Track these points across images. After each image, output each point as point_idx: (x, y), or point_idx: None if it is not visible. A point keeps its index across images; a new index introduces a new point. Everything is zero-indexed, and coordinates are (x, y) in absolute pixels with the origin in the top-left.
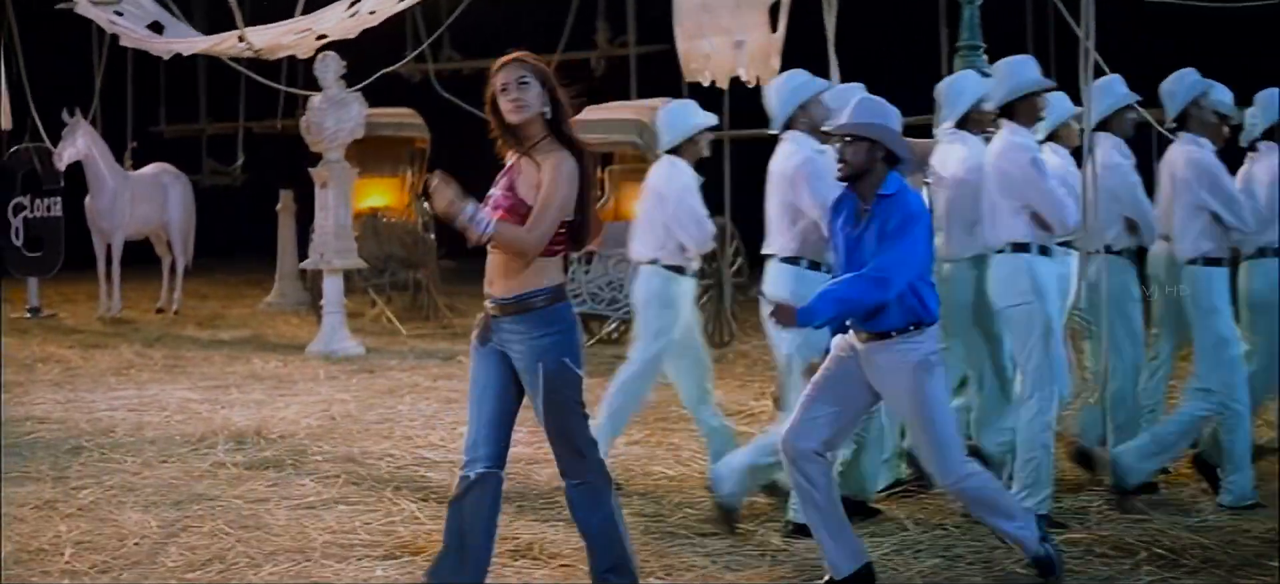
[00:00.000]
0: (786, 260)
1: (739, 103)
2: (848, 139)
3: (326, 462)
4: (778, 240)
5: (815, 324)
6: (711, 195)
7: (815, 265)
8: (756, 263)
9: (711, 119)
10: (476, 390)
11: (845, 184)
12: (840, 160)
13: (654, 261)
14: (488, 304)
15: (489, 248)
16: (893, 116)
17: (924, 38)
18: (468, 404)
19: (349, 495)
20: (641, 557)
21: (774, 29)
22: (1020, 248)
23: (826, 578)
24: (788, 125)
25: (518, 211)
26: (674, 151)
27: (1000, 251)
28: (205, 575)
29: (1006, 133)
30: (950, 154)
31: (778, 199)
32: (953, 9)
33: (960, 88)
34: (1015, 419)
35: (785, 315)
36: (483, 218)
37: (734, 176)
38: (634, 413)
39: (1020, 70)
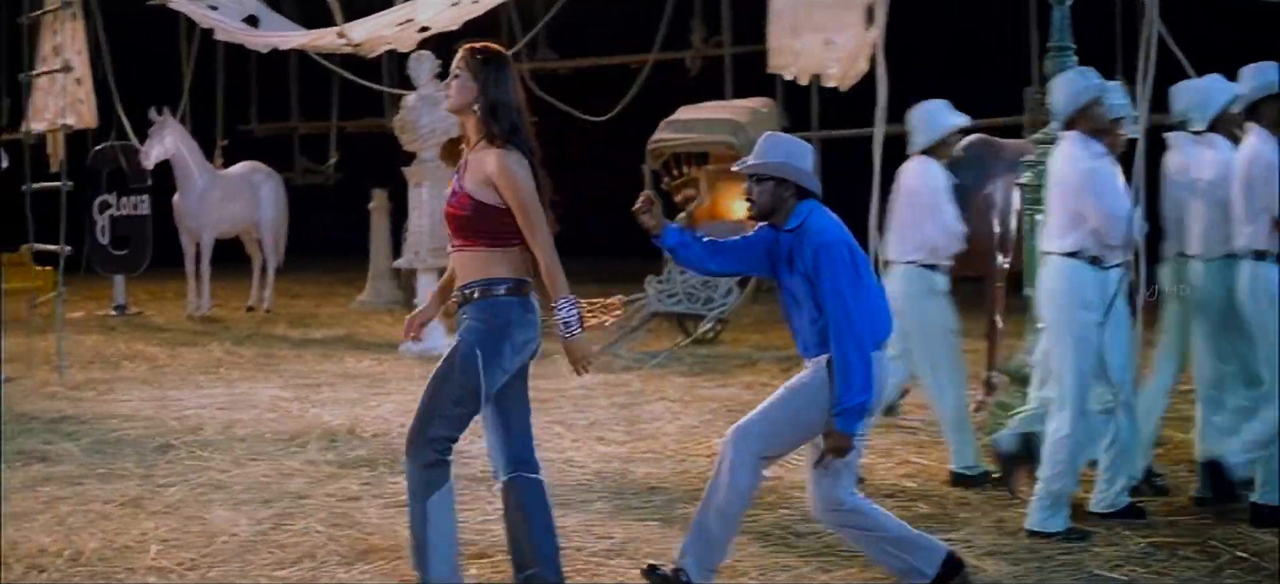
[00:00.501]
0: (1067, 256)
1: (826, 103)
2: (755, 179)
3: None
4: (1057, 237)
5: (857, 416)
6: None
7: (1095, 261)
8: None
9: (964, 120)
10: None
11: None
12: (748, 199)
13: (910, 261)
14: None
15: (454, 248)
16: (800, 153)
17: (1014, 39)
18: None
19: None
20: (735, 558)
21: (868, 27)
22: (1260, 256)
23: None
24: (1068, 125)
25: (462, 204)
26: (927, 152)
27: (1244, 257)
28: (296, 574)
29: (1252, 138)
30: (1201, 157)
31: (1059, 199)
32: (1043, 10)
33: (1210, 91)
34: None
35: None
36: (567, 319)
37: (823, 176)
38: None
39: (1265, 73)
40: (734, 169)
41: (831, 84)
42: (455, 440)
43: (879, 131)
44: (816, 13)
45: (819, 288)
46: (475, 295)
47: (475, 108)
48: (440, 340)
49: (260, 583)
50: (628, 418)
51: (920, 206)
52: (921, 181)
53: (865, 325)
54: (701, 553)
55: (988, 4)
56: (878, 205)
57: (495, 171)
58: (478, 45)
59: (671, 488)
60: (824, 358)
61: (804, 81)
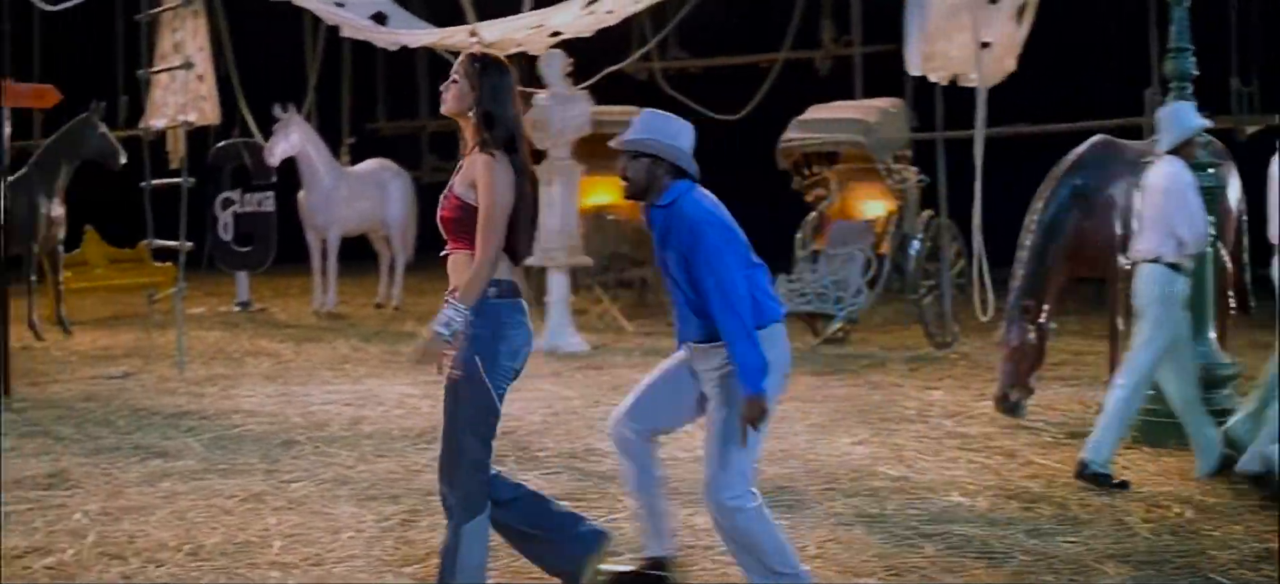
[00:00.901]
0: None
1: (952, 103)
2: (630, 156)
3: (550, 457)
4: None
5: (759, 374)
6: (929, 195)
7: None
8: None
9: (1207, 123)
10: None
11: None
12: (622, 177)
13: (1156, 259)
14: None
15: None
16: (677, 132)
17: (1133, 40)
18: None
19: (572, 491)
20: (862, 557)
21: (1018, 27)
22: None
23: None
24: (1172, 150)
25: (452, 206)
26: (1173, 151)
27: None
28: (423, 570)
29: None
30: None
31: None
32: (1162, 11)
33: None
34: None
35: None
36: (451, 319)
37: (949, 177)
38: (1135, 413)
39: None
40: (611, 145)
41: (973, 84)
42: (491, 453)
43: (980, 134)
44: (966, 13)
45: (693, 265)
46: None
47: (470, 114)
48: (569, 338)
49: (386, 579)
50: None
51: (1168, 204)
52: (1169, 180)
53: (742, 297)
54: (655, 531)
55: (1107, 5)
56: (980, 203)
57: (477, 172)
58: (478, 53)
59: (800, 487)
60: (698, 343)
61: (945, 82)
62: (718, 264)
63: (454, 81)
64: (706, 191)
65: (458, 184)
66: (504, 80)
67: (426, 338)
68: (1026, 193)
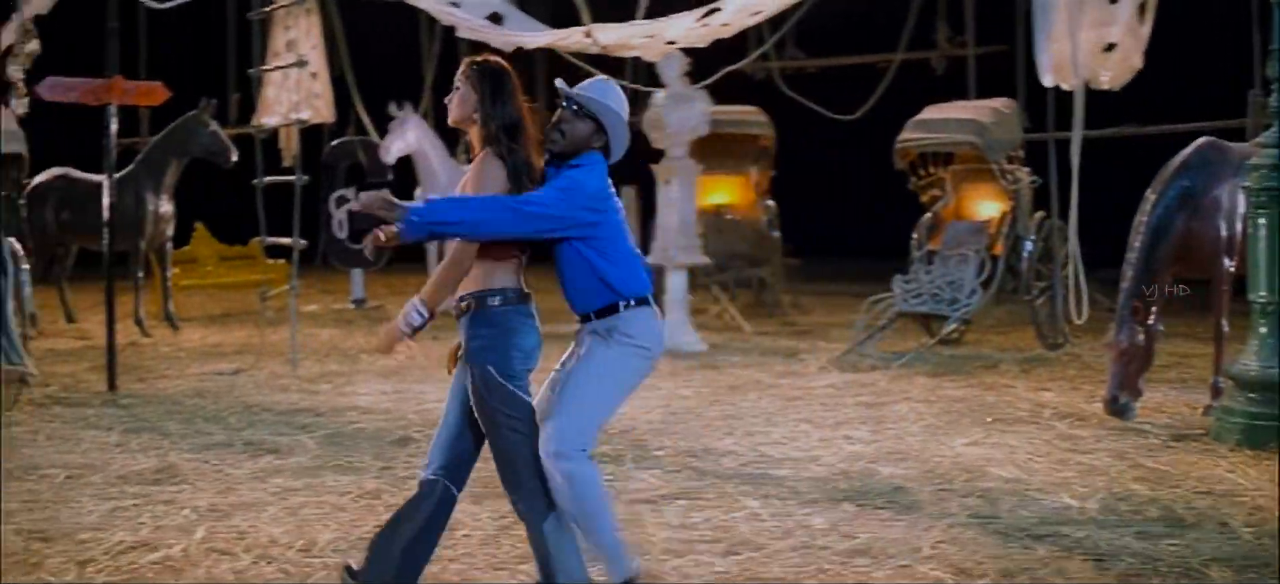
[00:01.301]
0: None
1: (1063, 103)
2: (576, 109)
3: (668, 456)
4: None
5: (420, 226)
6: (1041, 196)
7: None
8: (1088, 266)
9: None
10: (448, 397)
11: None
12: (557, 126)
13: None
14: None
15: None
16: (625, 107)
17: (1236, 41)
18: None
19: (689, 491)
20: (975, 558)
21: (1141, 24)
22: None
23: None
24: None
25: None
26: None
27: None
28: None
29: None
30: None
31: None
32: (1265, 11)
33: None
34: None
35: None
36: (410, 317)
37: (1061, 177)
38: None
39: None
40: (561, 88)
41: (1112, 88)
42: (540, 461)
43: (1077, 137)
44: (1089, 11)
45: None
46: (470, 307)
47: (475, 118)
48: (687, 337)
49: (501, 576)
50: (874, 417)
51: None
52: None
53: (524, 212)
54: (613, 559)
55: (1209, 6)
56: (1076, 204)
57: (471, 170)
58: (478, 58)
59: (915, 489)
60: (592, 323)
61: (1069, 86)
62: (547, 200)
63: (456, 89)
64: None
65: (468, 190)
66: (504, 83)
67: (390, 330)
68: (1135, 195)
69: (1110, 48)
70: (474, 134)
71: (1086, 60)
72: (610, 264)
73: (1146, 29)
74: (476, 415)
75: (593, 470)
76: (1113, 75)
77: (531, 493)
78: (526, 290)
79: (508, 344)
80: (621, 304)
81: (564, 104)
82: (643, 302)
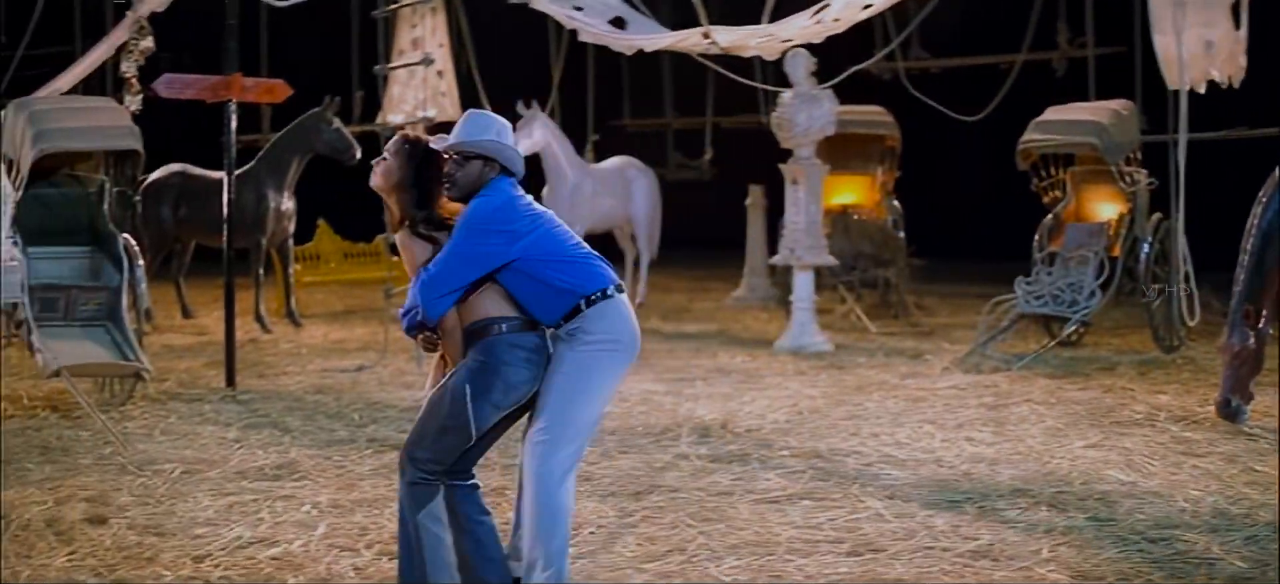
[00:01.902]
0: None
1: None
2: (457, 158)
3: (793, 457)
4: None
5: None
6: (1159, 198)
7: None
8: (1202, 268)
9: None
10: None
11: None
12: (449, 182)
13: None
14: None
15: None
16: (502, 130)
17: None
18: None
19: (814, 491)
20: (1092, 561)
21: (1237, 26)
22: None
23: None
24: None
25: None
26: None
27: None
28: (664, 567)
29: None
30: None
31: None
32: None
33: None
34: None
35: None
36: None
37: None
38: None
39: None
40: (437, 146)
41: (1223, 85)
42: (443, 466)
43: (1183, 137)
44: (1192, 11)
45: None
46: (475, 332)
47: (395, 190)
48: (813, 338)
49: (627, 575)
50: (995, 419)
51: None
52: None
53: (435, 286)
54: (547, 564)
55: None
56: (1182, 206)
57: (400, 246)
58: (408, 135)
59: (1036, 491)
60: (559, 328)
61: (1200, 88)
62: (452, 246)
63: (384, 158)
64: (521, 192)
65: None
66: (430, 165)
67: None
68: (1249, 197)
69: (1210, 46)
70: (392, 202)
71: (1191, 59)
72: (557, 269)
73: (1242, 33)
74: (432, 395)
75: (558, 473)
76: (1222, 72)
77: (413, 482)
78: (532, 319)
79: (493, 374)
80: (583, 303)
81: (448, 157)
82: (603, 295)
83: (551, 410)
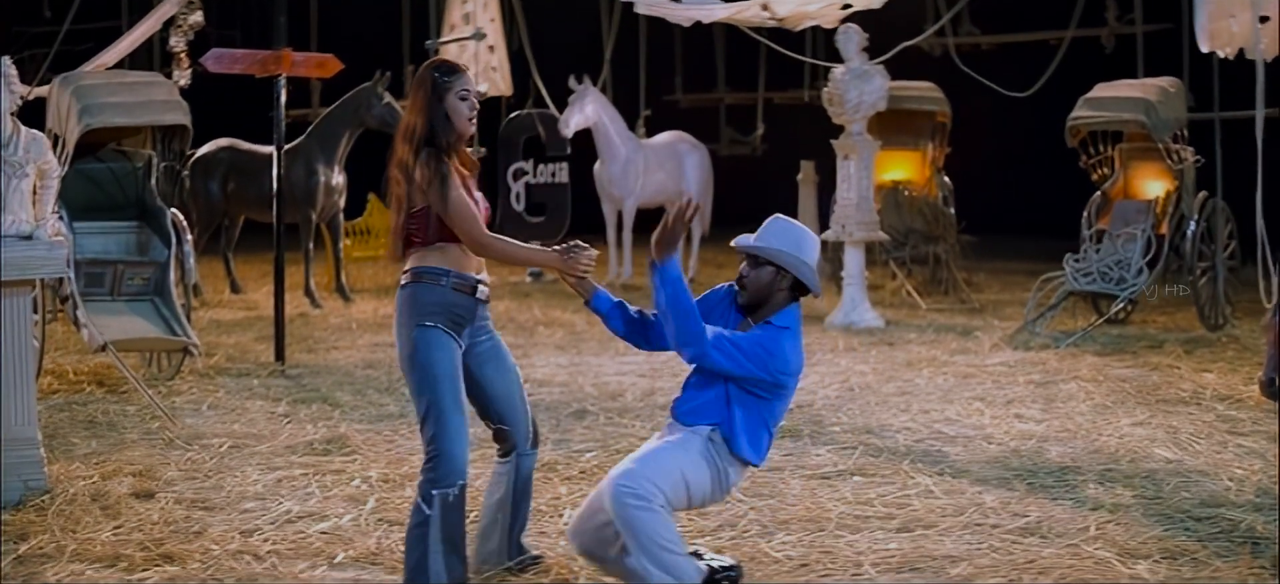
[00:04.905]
0: None
1: (1228, 83)
2: (752, 261)
3: (844, 433)
4: None
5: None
6: (1206, 177)
7: None
8: (1249, 247)
9: None
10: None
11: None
12: (740, 283)
13: None
14: (483, 292)
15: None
16: (809, 245)
17: None
18: (445, 392)
19: (865, 467)
20: (1139, 539)
21: None
22: None
23: None
24: None
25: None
26: None
27: None
28: (715, 541)
29: None
30: None
31: None
32: None
33: None
34: None
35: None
36: None
37: (1227, 159)
38: None
39: None
40: (733, 246)
41: (1268, 58)
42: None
43: (1260, 114)
44: None
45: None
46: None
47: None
48: (864, 314)
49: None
50: (1044, 396)
51: None
52: None
53: (710, 355)
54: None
55: None
56: (1261, 187)
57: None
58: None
59: (1084, 468)
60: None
61: (1232, 56)
62: (751, 344)
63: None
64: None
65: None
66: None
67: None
68: None
69: (1264, 20)
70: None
71: (1244, 29)
72: (746, 421)
73: None
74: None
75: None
76: (1266, 45)
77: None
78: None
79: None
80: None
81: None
82: (744, 465)
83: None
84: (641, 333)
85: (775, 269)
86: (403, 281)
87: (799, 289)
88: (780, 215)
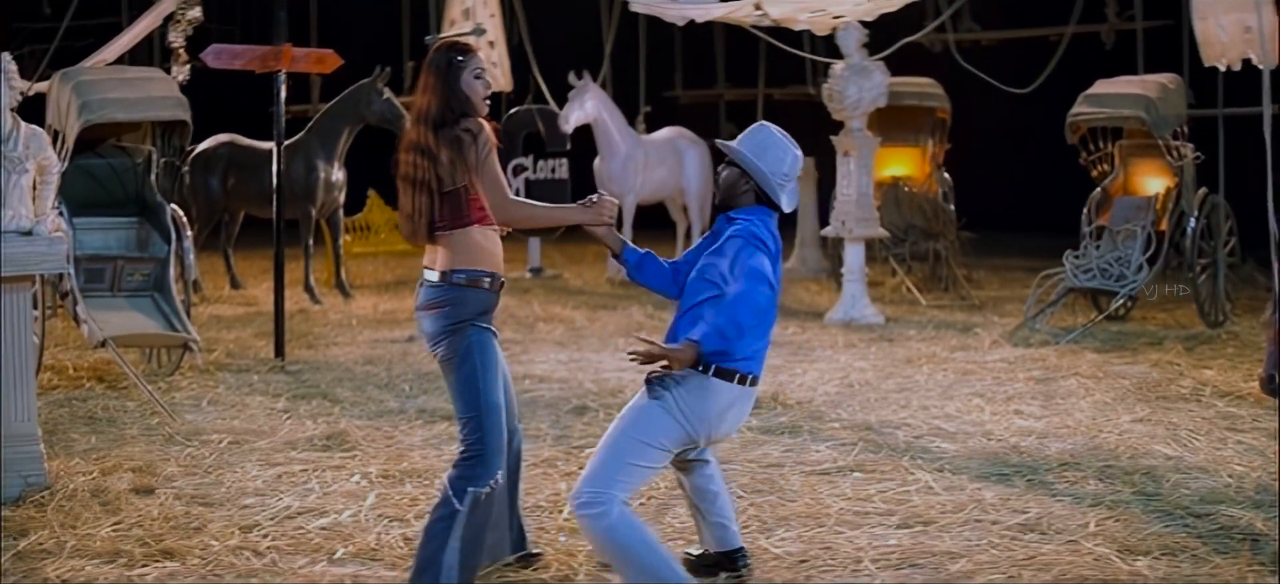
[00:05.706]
0: None
1: (1230, 79)
2: (725, 160)
3: (843, 429)
4: None
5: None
6: (1206, 174)
7: None
8: (1249, 244)
9: None
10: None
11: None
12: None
13: None
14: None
15: (497, 229)
16: (773, 154)
17: None
18: (495, 391)
19: (865, 463)
20: (1139, 535)
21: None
22: None
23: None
24: None
25: None
26: None
27: None
28: None
29: None
30: None
31: None
32: None
33: None
34: None
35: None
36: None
37: (1229, 155)
38: None
39: None
40: (717, 144)
41: (1262, 66)
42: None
43: (1267, 111)
44: None
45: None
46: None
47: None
48: (864, 310)
49: (676, 546)
50: (1044, 393)
51: None
52: None
53: (741, 324)
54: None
55: None
56: (1272, 184)
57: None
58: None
59: (1084, 464)
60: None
61: (1235, 66)
62: (740, 272)
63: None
64: (773, 229)
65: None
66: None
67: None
68: None
69: (1248, 30)
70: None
71: (1233, 40)
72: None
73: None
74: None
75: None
76: (1262, 54)
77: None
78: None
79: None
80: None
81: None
82: (742, 382)
83: (613, 446)
84: (671, 282)
85: (740, 170)
86: (439, 278)
87: (763, 197)
88: (765, 123)
